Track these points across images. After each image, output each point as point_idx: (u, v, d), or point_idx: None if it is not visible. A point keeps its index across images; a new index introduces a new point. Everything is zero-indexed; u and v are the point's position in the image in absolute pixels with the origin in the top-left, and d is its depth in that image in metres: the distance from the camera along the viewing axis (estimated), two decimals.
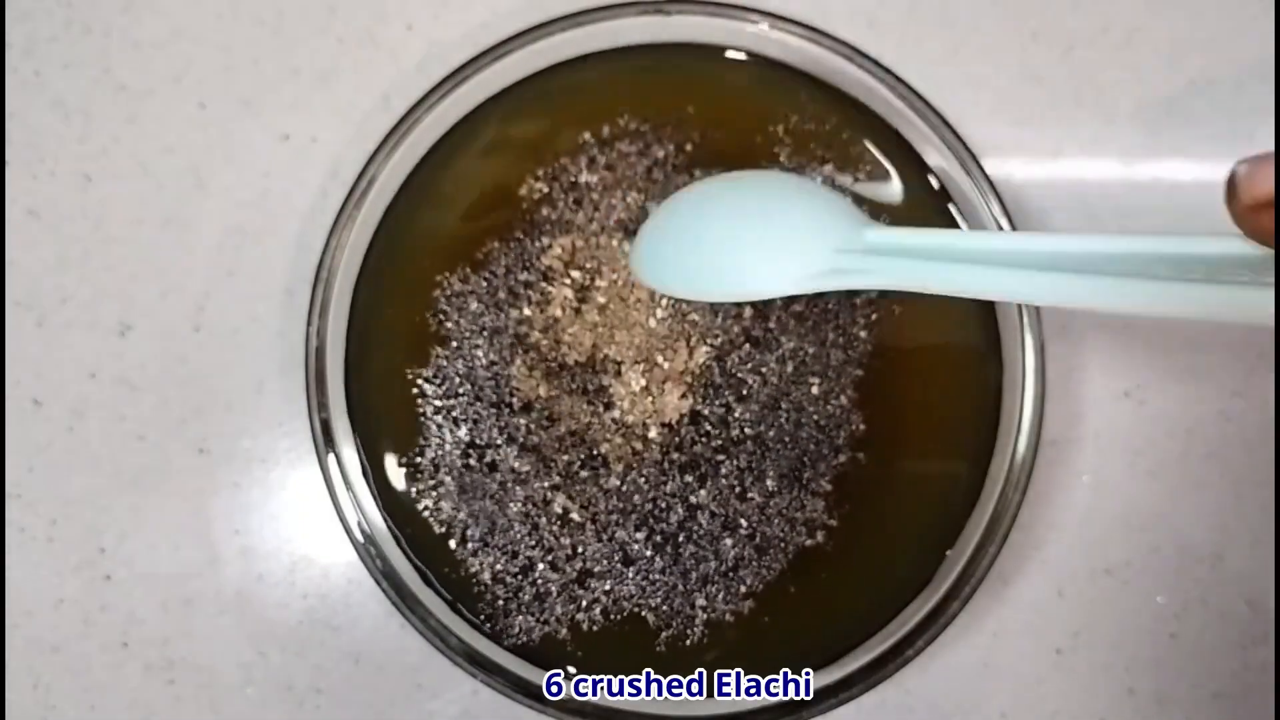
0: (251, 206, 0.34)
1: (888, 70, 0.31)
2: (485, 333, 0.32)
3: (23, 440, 0.34)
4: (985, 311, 0.32)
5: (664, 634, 0.31)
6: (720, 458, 0.31)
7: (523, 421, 0.31)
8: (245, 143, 0.35)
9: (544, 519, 0.31)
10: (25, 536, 0.34)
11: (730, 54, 0.33)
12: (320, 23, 0.35)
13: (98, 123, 0.35)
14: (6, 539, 0.33)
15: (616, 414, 0.31)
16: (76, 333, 0.34)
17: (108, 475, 0.34)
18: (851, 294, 0.32)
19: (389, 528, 0.31)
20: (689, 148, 0.32)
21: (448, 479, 0.31)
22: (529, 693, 0.30)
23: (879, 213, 0.32)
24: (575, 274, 0.32)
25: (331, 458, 0.31)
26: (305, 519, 0.34)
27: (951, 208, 0.32)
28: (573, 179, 0.32)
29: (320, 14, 0.35)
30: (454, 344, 0.32)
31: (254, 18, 0.35)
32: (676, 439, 0.31)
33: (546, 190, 0.32)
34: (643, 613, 0.31)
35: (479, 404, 0.31)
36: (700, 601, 0.31)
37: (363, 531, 0.30)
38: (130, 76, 0.35)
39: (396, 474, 0.31)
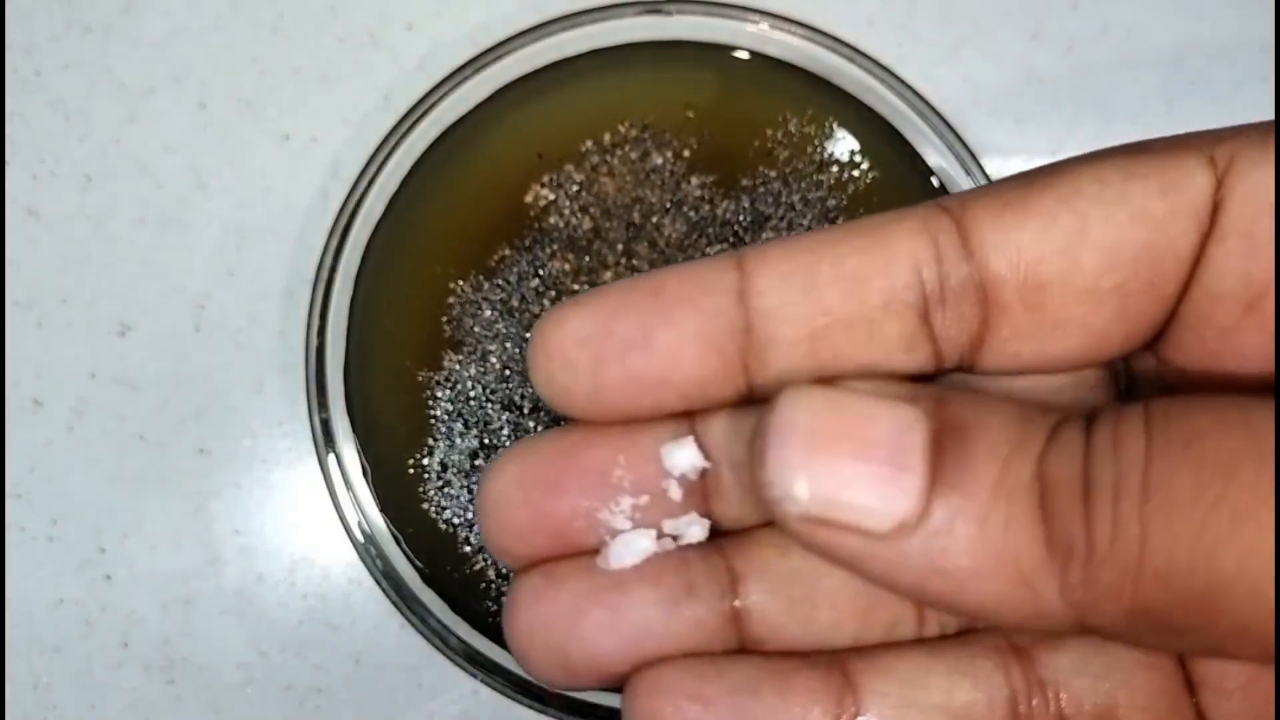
0: (252, 207, 0.34)
1: (887, 70, 0.31)
2: (498, 339, 0.32)
3: (23, 440, 0.34)
4: None
5: None
6: None
7: (532, 424, 0.31)
8: (245, 143, 0.35)
9: None
10: (25, 536, 0.33)
11: (730, 54, 0.33)
12: (321, 22, 0.35)
13: (98, 122, 0.35)
14: (6, 539, 0.33)
15: None
16: (76, 333, 0.34)
17: (108, 475, 0.34)
18: None
19: (389, 528, 0.31)
20: (687, 153, 0.32)
21: (455, 479, 0.31)
22: (529, 692, 0.30)
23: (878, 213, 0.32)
24: (583, 279, 0.32)
25: (331, 458, 0.31)
26: (306, 519, 0.34)
27: None
28: (577, 186, 0.32)
29: (320, 14, 0.35)
30: (467, 349, 0.32)
31: (254, 18, 0.35)
32: None
33: (553, 198, 0.32)
34: None
35: (489, 407, 0.31)
36: None
37: (363, 531, 0.30)
38: (130, 76, 0.35)
39: (399, 474, 0.31)
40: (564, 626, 0.15)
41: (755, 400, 0.15)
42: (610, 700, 0.30)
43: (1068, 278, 0.14)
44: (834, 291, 0.14)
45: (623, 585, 0.15)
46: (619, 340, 0.14)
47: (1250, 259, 0.13)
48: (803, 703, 0.15)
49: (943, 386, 0.15)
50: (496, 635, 0.31)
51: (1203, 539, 0.11)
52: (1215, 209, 0.14)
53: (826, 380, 0.14)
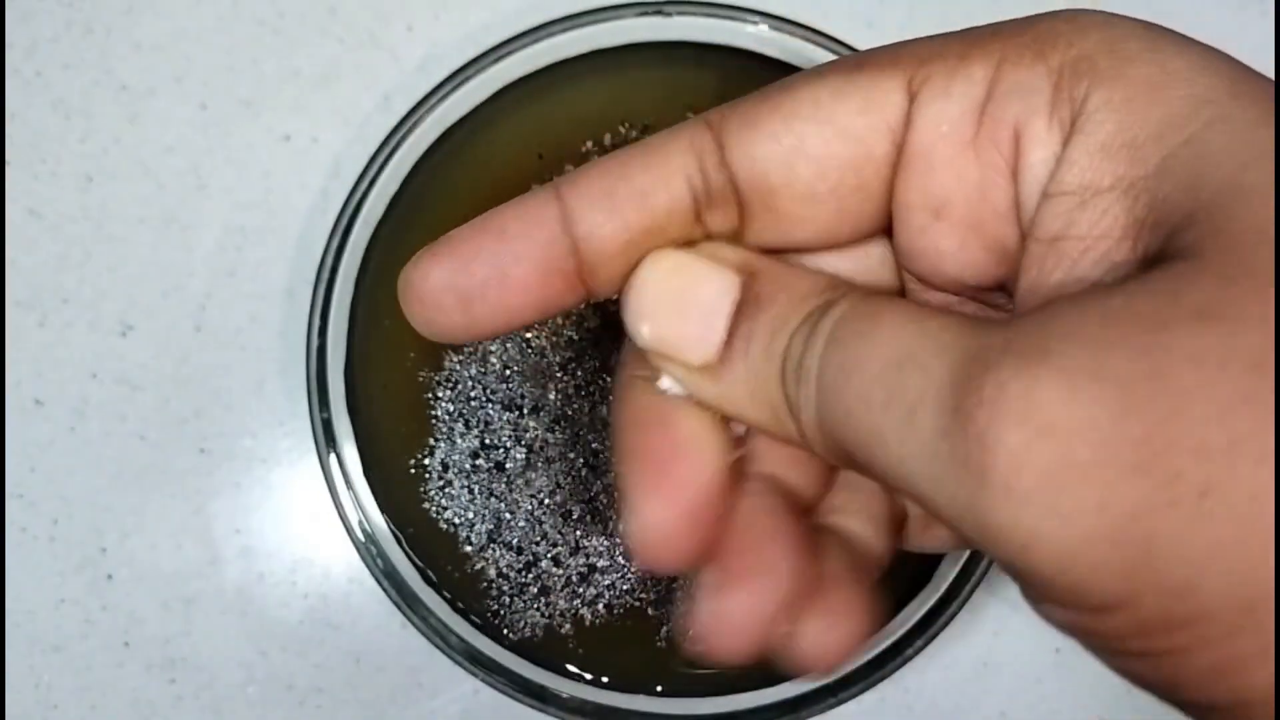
0: (253, 207, 0.35)
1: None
2: (499, 339, 0.32)
3: (24, 440, 0.34)
4: None
5: (665, 628, 0.31)
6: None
7: (531, 423, 0.31)
8: (246, 143, 0.35)
9: (548, 516, 0.31)
10: (26, 536, 0.34)
11: (730, 55, 0.33)
12: (321, 23, 0.35)
13: (99, 123, 0.35)
14: (8, 539, 0.34)
15: None
16: (78, 333, 0.34)
17: (109, 475, 0.34)
18: None
19: (390, 527, 0.31)
20: None
21: (456, 479, 0.31)
22: (530, 692, 0.30)
23: None
24: None
25: (332, 457, 0.31)
26: (307, 519, 0.34)
27: None
28: None
29: (321, 15, 0.35)
30: (468, 349, 0.32)
31: (255, 18, 0.35)
32: None
33: None
34: (644, 606, 0.31)
35: (490, 407, 0.32)
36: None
37: (364, 531, 0.30)
38: (131, 77, 0.35)
39: (400, 474, 0.31)
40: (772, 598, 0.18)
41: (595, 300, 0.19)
42: (609, 699, 0.30)
43: (790, 185, 0.17)
44: (629, 208, 0.17)
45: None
46: (479, 280, 0.17)
47: (927, 176, 0.17)
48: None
49: (769, 262, 0.18)
50: (498, 635, 0.31)
51: (839, 415, 0.15)
52: (906, 127, 0.17)
53: (687, 244, 0.18)
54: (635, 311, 0.18)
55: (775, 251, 0.19)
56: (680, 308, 0.17)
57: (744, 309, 0.17)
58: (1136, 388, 0.12)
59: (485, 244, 0.17)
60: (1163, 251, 0.14)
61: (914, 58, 0.17)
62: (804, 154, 0.17)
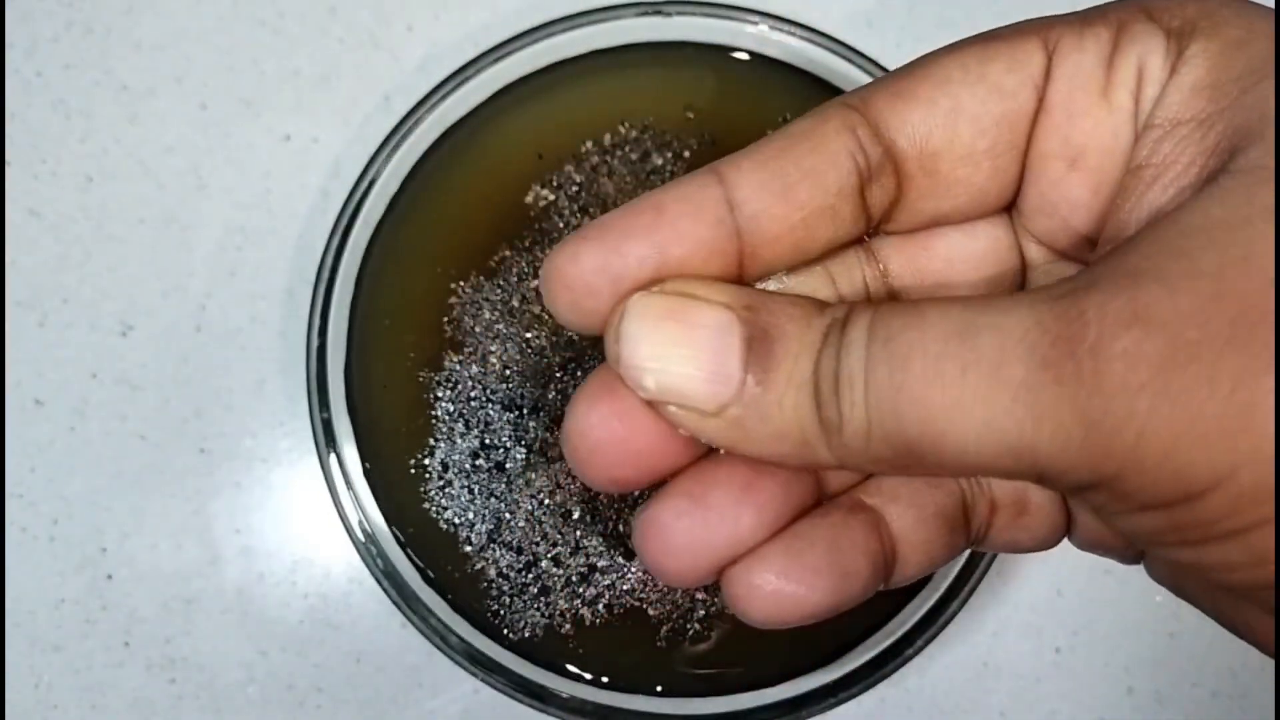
0: (253, 207, 0.35)
1: (887, 71, 0.31)
2: (499, 339, 0.32)
3: (24, 440, 0.34)
4: None
5: (664, 628, 0.31)
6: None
7: (532, 424, 0.31)
8: (246, 143, 0.35)
9: (548, 516, 0.31)
10: (27, 536, 0.34)
11: (730, 55, 0.33)
12: (321, 23, 0.35)
13: (99, 123, 0.35)
14: (8, 539, 0.34)
15: None
16: (78, 333, 0.34)
17: (109, 475, 0.34)
18: None
19: (390, 527, 0.31)
20: (687, 154, 0.32)
21: (456, 479, 0.31)
22: (530, 692, 0.30)
23: None
24: None
25: (333, 457, 0.31)
26: (307, 519, 0.34)
27: None
28: (576, 187, 0.32)
29: (321, 15, 0.35)
30: (468, 349, 0.32)
31: (255, 19, 0.35)
32: None
33: (552, 198, 0.32)
34: (644, 606, 0.31)
35: (490, 407, 0.32)
36: (699, 595, 0.31)
37: (364, 531, 0.30)
38: (131, 77, 0.35)
39: (401, 474, 0.31)
40: (726, 535, 0.18)
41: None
42: (608, 699, 0.30)
43: (951, 146, 0.18)
44: (803, 189, 0.17)
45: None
46: (634, 260, 0.17)
47: (1068, 124, 0.17)
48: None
49: (754, 292, 0.18)
50: (498, 635, 0.31)
51: (896, 414, 0.15)
52: (1045, 82, 0.17)
53: (660, 282, 0.17)
54: (631, 362, 0.17)
55: (924, 229, 0.19)
56: (684, 352, 0.17)
57: (752, 344, 0.16)
58: (1227, 273, 0.14)
59: (641, 221, 0.17)
60: (1225, 168, 0.15)
61: (1040, 25, 0.18)
62: (962, 113, 0.17)
